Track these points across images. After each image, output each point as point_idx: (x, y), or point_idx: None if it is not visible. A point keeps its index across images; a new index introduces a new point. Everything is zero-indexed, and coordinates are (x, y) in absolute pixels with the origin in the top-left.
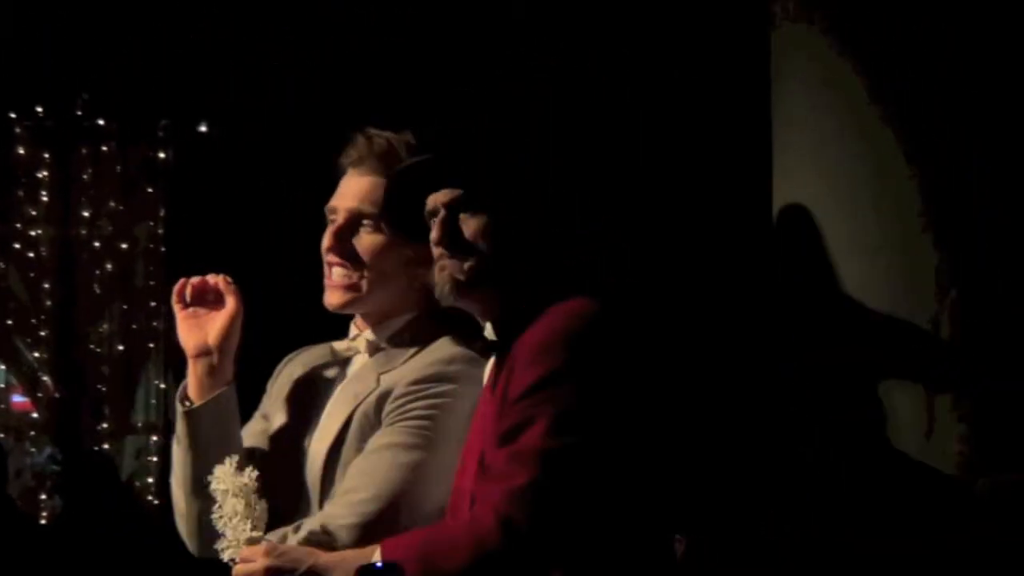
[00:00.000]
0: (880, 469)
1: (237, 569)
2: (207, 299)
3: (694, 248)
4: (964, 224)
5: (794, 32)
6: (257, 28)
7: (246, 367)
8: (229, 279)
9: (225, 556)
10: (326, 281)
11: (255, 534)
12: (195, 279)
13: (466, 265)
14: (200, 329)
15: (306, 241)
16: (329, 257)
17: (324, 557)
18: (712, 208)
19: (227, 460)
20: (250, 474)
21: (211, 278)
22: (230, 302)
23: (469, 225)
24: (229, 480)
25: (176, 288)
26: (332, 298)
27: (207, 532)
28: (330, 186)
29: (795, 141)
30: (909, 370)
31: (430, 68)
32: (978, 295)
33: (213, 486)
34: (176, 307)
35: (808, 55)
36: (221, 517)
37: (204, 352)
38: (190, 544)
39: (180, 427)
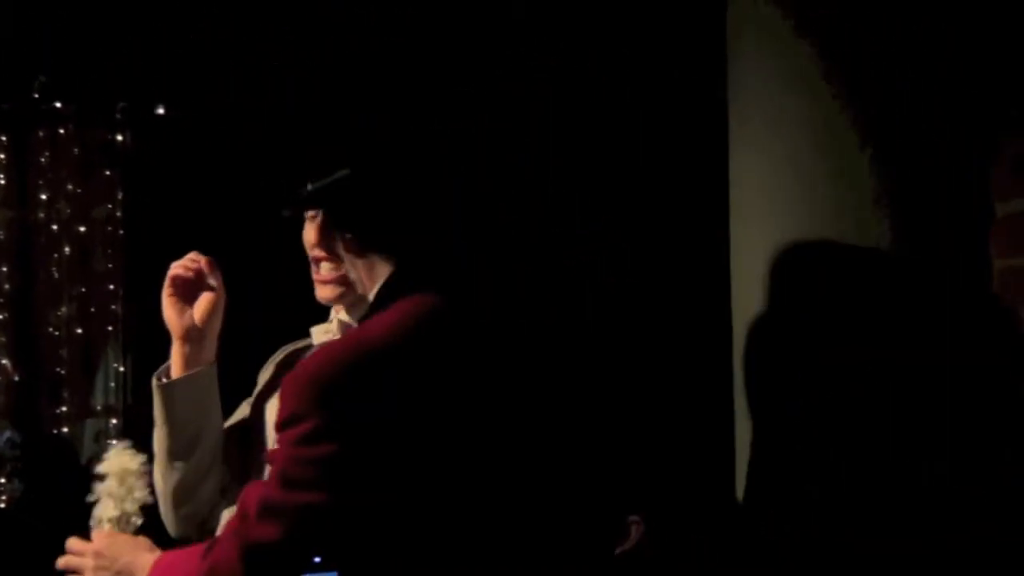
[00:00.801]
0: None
1: (70, 543)
2: (192, 281)
3: (651, 231)
4: (920, 199)
5: (749, 7)
6: (217, 9)
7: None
8: (213, 261)
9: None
10: (315, 277)
11: (114, 513)
12: (188, 265)
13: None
14: (186, 310)
15: (267, 223)
16: (316, 252)
17: (143, 556)
18: (670, 186)
19: (120, 444)
20: (135, 458)
21: (198, 258)
22: (215, 284)
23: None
24: (115, 460)
25: (171, 274)
26: (325, 292)
27: (178, 509)
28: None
29: (752, 117)
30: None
31: (393, 61)
32: (934, 268)
33: (101, 467)
34: (166, 290)
35: (763, 30)
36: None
37: (190, 332)
38: (166, 522)
39: (156, 403)
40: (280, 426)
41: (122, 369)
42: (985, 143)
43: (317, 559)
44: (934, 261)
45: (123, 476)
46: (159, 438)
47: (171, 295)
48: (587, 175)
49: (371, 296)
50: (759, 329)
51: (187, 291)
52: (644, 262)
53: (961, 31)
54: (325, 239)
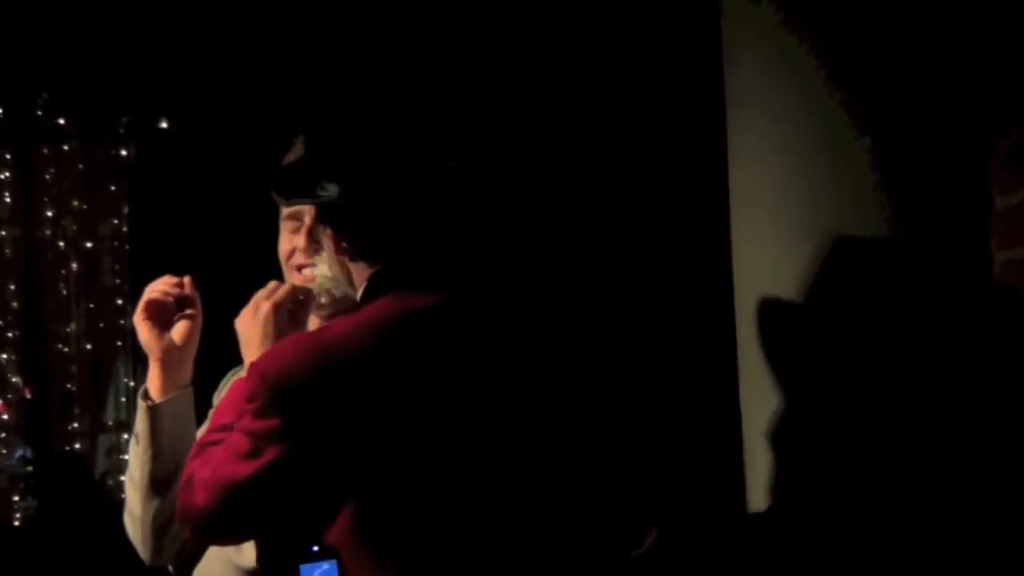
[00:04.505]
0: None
1: None
2: (168, 304)
3: (651, 227)
4: (921, 204)
5: (744, 10)
6: (219, 21)
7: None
8: (192, 281)
9: None
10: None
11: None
12: (167, 290)
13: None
14: (163, 332)
15: (268, 236)
16: (302, 259)
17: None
18: (670, 183)
19: None
20: None
21: (179, 282)
22: (195, 305)
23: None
24: None
25: (148, 298)
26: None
27: (160, 538)
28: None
29: (749, 121)
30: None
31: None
32: (934, 260)
33: None
34: (141, 314)
35: (759, 33)
36: None
37: (169, 354)
38: (142, 550)
39: (142, 424)
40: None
41: (132, 384)
42: (983, 136)
43: (315, 548)
44: (934, 253)
45: None
46: (142, 462)
47: (146, 319)
48: (590, 171)
49: (358, 296)
50: (764, 324)
51: (163, 314)
52: (642, 259)
53: (958, 23)
54: (314, 244)
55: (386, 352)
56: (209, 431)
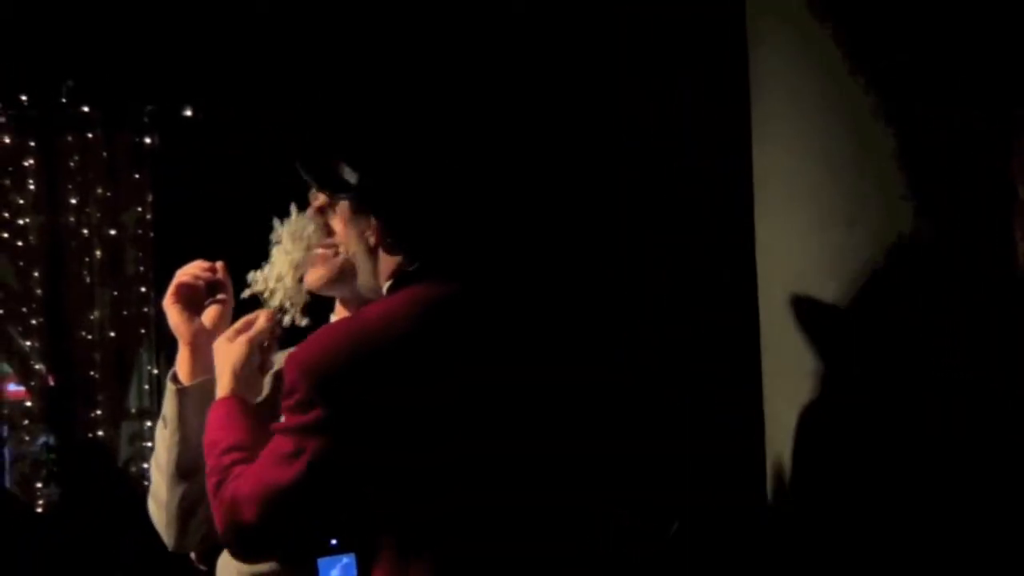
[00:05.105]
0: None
1: None
2: (198, 289)
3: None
4: (946, 194)
5: None
6: (243, 10)
7: None
8: (224, 266)
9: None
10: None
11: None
12: (198, 274)
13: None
14: (193, 316)
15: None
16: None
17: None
18: (693, 176)
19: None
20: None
21: (211, 266)
22: (226, 289)
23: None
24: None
25: (178, 282)
26: (314, 280)
27: (185, 523)
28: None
29: (774, 108)
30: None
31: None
32: (956, 268)
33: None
34: (170, 297)
35: (784, 19)
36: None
37: (199, 338)
38: (166, 535)
39: (170, 407)
40: (282, 397)
41: (155, 371)
42: (1005, 126)
43: (334, 542)
44: (957, 242)
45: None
46: (169, 446)
47: (175, 303)
48: (613, 166)
49: (384, 288)
50: (788, 317)
51: (193, 298)
52: (667, 251)
53: (984, 11)
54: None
55: (420, 339)
56: (216, 454)
